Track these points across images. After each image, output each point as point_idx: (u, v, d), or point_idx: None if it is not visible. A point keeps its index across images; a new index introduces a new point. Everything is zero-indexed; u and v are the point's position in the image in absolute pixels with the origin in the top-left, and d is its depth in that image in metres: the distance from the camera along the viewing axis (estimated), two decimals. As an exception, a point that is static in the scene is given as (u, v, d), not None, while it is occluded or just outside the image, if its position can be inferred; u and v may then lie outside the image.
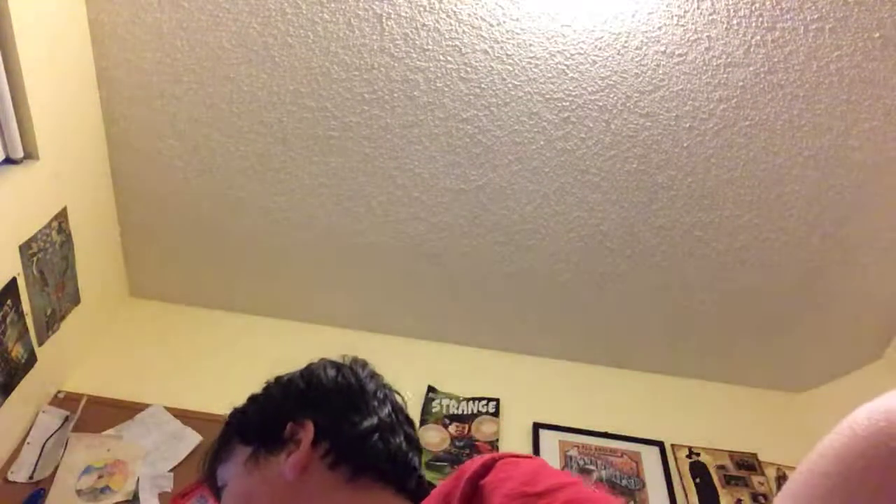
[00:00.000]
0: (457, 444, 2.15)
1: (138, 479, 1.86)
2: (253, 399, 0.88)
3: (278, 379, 0.87)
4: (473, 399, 2.31)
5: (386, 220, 2.25)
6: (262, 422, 0.82)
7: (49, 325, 1.96)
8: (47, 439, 1.92)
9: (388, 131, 2.06)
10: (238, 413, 0.87)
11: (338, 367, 0.88)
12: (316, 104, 2.01)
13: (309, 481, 0.74)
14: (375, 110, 2.02)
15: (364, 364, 0.91)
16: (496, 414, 2.27)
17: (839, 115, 1.92)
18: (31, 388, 1.90)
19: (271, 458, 0.77)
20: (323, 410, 0.81)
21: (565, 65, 1.90)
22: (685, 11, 1.78)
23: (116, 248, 2.36)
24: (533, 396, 2.38)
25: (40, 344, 1.92)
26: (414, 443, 0.85)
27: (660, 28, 1.81)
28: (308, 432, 0.78)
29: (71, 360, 2.14)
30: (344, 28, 1.88)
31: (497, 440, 2.19)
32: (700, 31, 1.81)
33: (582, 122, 2.00)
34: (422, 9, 1.83)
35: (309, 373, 0.86)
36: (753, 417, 2.46)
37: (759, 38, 1.81)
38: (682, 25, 1.81)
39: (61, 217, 1.92)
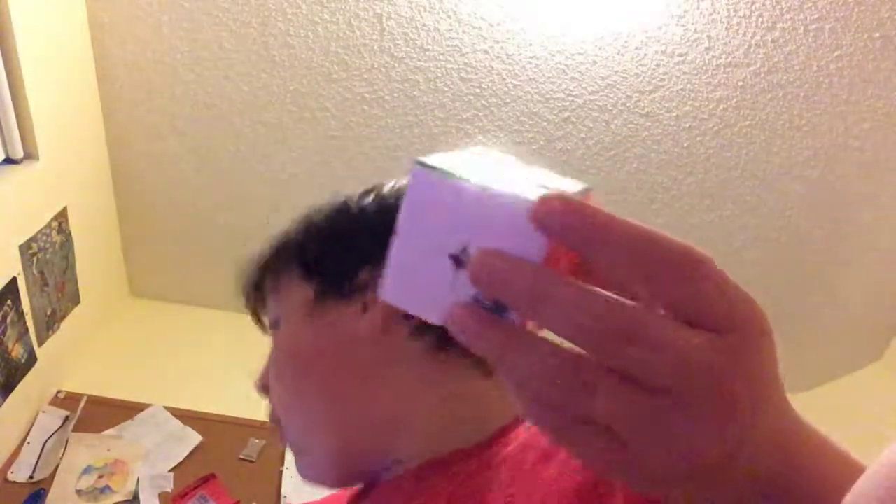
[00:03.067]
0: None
1: (138, 479, 1.86)
2: (312, 225, 0.65)
3: (345, 203, 0.64)
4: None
5: (386, 220, 2.25)
6: (333, 256, 0.62)
7: (49, 325, 1.96)
8: (47, 439, 1.92)
9: (388, 131, 2.06)
10: (294, 238, 0.66)
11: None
12: (316, 104, 2.01)
13: (386, 346, 0.59)
14: (375, 110, 2.02)
15: None
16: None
17: (839, 115, 1.92)
18: (31, 388, 1.90)
19: (341, 308, 0.60)
20: None
21: (565, 65, 1.90)
22: (685, 11, 1.78)
23: (116, 248, 2.36)
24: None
25: (40, 344, 1.92)
26: None
27: (660, 28, 1.81)
28: None
29: (71, 360, 2.14)
30: (344, 28, 1.88)
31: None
32: (700, 31, 1.81)
33: (582, 122, 2.00)
34: (422, 9, 1.83)
35: (380, 200, 0.62)
36: (753, 417, 2.46)
37: (759, 38, 1.81)
38: (682, 25, 1.80)
39: (61, 217, 1.92)
